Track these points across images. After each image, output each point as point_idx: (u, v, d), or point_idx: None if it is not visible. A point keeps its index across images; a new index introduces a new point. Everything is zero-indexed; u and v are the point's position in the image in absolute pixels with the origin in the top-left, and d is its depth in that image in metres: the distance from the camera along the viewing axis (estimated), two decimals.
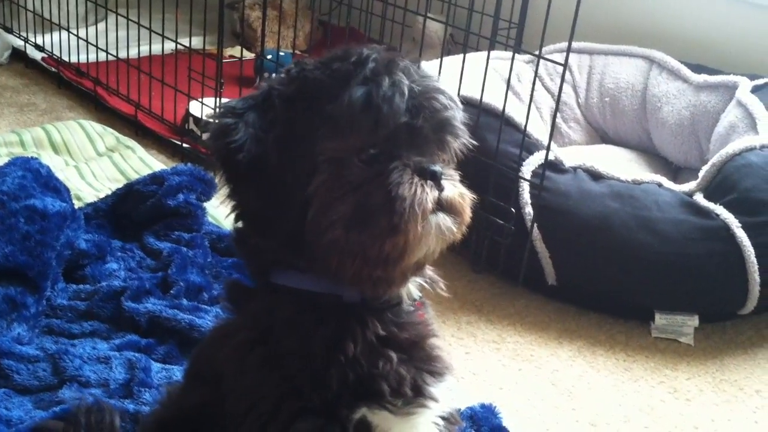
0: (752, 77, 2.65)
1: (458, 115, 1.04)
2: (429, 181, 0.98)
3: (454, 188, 1.02)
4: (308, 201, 0.98)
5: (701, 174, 2.20)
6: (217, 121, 1.02)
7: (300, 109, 1.00)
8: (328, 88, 0.99)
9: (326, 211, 0.97)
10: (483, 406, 1.68)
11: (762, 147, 2.20)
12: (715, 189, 2.16)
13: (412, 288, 1.07)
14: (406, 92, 0.99)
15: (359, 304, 1.03)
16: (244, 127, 1.00)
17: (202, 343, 1.20)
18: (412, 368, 1.03)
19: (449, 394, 1.08)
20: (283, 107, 1.01)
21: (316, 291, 1.03)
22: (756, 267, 2.04)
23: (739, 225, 2.05)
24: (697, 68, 2.79)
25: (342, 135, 0.98)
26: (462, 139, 1.05)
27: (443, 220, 1.00)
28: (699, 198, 2.15)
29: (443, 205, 1.00)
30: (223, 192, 1.06)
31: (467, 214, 1.03)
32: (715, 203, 2.11)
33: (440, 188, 1.00)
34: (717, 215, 2.08)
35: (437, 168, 1.00)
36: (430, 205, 0.98)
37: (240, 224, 1.06)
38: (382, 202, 0.96)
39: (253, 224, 1.05)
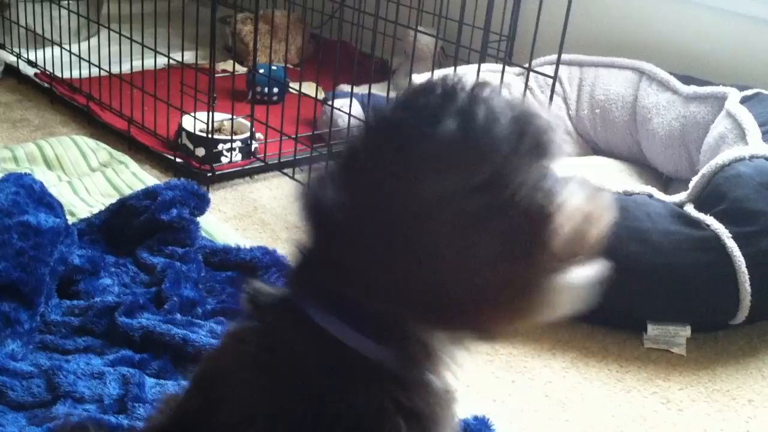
0: (741, 88, 2.67)
1: (557, 137, 0.97)
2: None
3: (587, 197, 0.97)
4: (415, 251, 0.89)
5: (691, 185, 2.22)
6: (309, 185, 0.95)
7: (388, 156, 0.92)
8: (417, 129, 0.91)
9: (438, 256, 0.89)
10: (476, 418, 1.69)
11: (751, 157, 2.22)
12: (705, 199, 2.17)
13: (450, 375, 1.01)
14: (503, 121, 0.92)
15: (385, 366, 0.96)
16: (333, 189, 0.92)
17: (216, 347, 1.15)
18: None
19: None
20: (365, 158, 0.93)
21: (348, 343, 0.96)
22: (747, 277, 2.05)
23: (730, 235, 2.06)
24: (687, 79, 2.81)
25: (441, 175, 0.89)
26: (558, 160, 0.98)
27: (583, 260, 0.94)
28: (689, 208, 2.16)
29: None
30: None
31: (601, 232, 0.97)
32: (706, 214, 2.12)
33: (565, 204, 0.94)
34: (707, 225, 2.09)
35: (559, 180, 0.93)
36: (575, 219, 0.92)
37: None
38: (516, 229, 0.89)
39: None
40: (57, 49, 3.24)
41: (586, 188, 0.98)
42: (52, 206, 2.07)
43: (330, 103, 2.87)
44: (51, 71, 3.27)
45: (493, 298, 0.91)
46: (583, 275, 0.95)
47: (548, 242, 0.90)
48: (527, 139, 0.92)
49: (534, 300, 0.92)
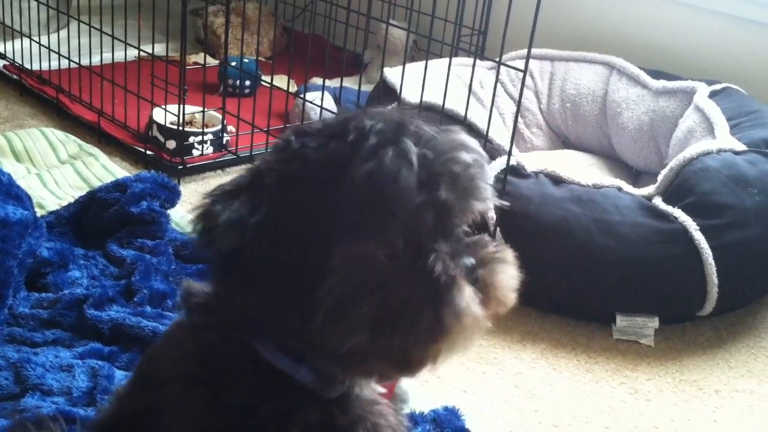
0: (710, 83, 2.70)
1: (484, 174, 0.92)
2: (467, 273, 0.89)
3: (492, 275, 0.93)
4: (312, 302, 0.87)
5: (660, 178, 2.24)
6: (208, 208, 0.92)
7: (302, 194, 0.88)
8: (330, 174, 0.87)
9: (344, 315, 0.86)
10: (446, 408, 1.70)
11: (719, 151, 2.24)
12: (673, 192, 2.20)
13: (374, 385, 1.01)
14: (415, 162, 0.85)
15: (311, 385, 0.96)
16: (225, 212, 0.89)
17: (158, 342, 1.15)
18: None
19: None
20: (278, 190, 0.89)
21: (272, 361, 0.96)
22: (714, 269, 2.08)
23: (697, 228, 2.09)
24: (656, 74, 2.84)
25: (352, 229, 0.85)
26: (489, 202, 0.93)
27: (482, 313, 0.91)
28: (658, 201, 2.18)
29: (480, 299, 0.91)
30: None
31: (509, 301, 0.96)
32: (674, 206, 2.15)
33: (475, 281, 0.90)
34: (675, 218, 2.11)
35: (471, 262, 0.90)
36: (476, 304, 0.89)
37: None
38: (421, 304, 0.86)
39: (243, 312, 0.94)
40: (26, 40, 3.20)
41: (494, 255, 0.94)
42: (21, 198, 2.05)
43: (302, 96, 2.86)
44: (20, 63, 3.24)
45: (390, 356, 0.89)
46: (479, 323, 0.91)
47: (450, 314, 0.86)
48: (442, 185, 0.87)
49: (427, 353, 0.90)
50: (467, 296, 0.88)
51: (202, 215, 0.92)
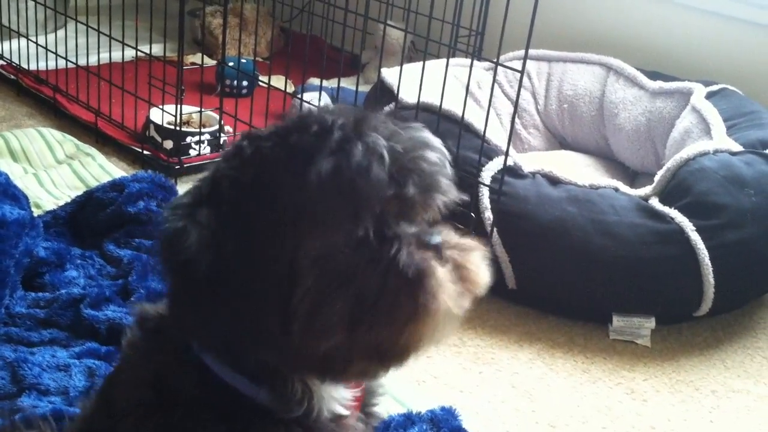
0: (706, 83, 2.70)
1: (447, 171, 0.91)
2: (436, 255, 0.87)
3: (461, 257, 0.91)
4: (287, 307, 0.85)
5: (656, 178, 2.25)
6: (166, 224, 0.87)
7: (260, 200, 0.85)
8: (290, 170, 0.84)
9: (319, 317, 0.84)
10: (443, 408, 1.70)
11: (716, 152, 2.25)
12: (670, 193, 2.20)
13: (337, 405, 0.98)
14: (387, 156, 0.84)
15: (269, 406, 0.94)
16: (196, 230, 0.85)
17: (116, 365, 1.12)
18: None
19: None
20: (236, 199, 0.86)
21: (230, 382, 0.93)
22: (710, 269, 2.08)
23: (694, 228, 2.09)
24: (653, 75, 2.84)
25: (319, 228, 0.83)
26: (451, 196, 0.92)
27: (458, 291, 0.89)
28: (654, 202, 2.19)
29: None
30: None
31: (482, 280, 0.93)
32: (670, 207, 2.15)
33: (444, 263, 0.89)
34: (672, 219, 2.12)
35: (438, 240, 0.89)
36: (450, 285, 0.87)
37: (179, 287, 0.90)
38: (395, 291, 0.85)
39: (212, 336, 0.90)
40: (24, 40, 3.20)
41: (461, 246, 0.92)
42: (18, 198, 2.05)
43: (299, 96, 2.86)
44: (17, 63, 3.23)
45: (370, 350, 0.87)
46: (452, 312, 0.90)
47: (425, 295, 0.85)
48: (411, 181, 0.86)
49: (408, 342, 0.88)
50: (440, 276, 0.86)
51: (169, 236, 0.86)
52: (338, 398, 0.99)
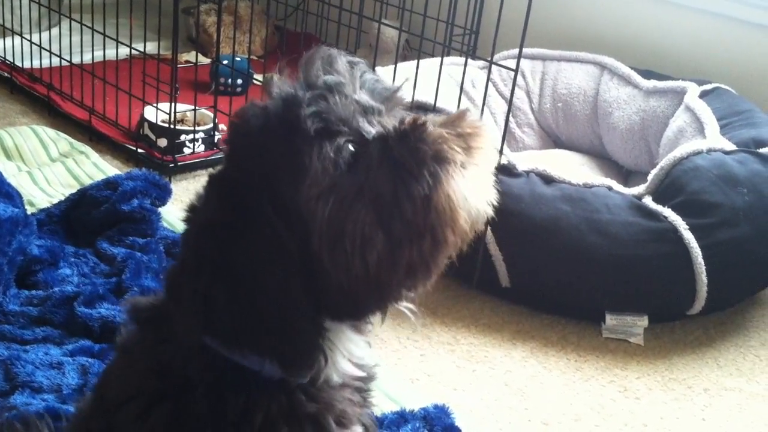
0: (700, 82, 2.71)
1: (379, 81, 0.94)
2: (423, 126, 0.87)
3: (464, 125, 0.90)
4: (314, 255, 0.87)
5: (650, 177, 2.25)
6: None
7: (259, 159, 0.89)
8: (283, 121, 0.89)
9: (348, 241, 0.86)
10: (436, 406, 1.70)
11: (709, 150, 2.25)
12: (663, 192, 2.20)
13: (345, 365, 1.00)
14: (301, 91, 0.89)
15: (277, 378, 0.95)
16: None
17: (111, 362, 1.12)
18: None
19: None
20: (241, 187, 0.90)
21: (235, 360, 0.94)
22: (703, 268, 2.09)
23: (687, 227, 2.10)
24: (647, 74, 2.85)
25: (313, 164, 0.86)
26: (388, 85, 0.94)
27: (471, 162, 0.89)
28: (648, 201, 2.19)
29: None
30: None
31: (483, 134, 0.92)
32: (664, 206, 2.15)
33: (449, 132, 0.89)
34: (665, 217, 2.12)
35: (408, 116, 0.90)
36: (457, 148, 0.88)
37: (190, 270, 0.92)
38: (410, 176, 0.86)
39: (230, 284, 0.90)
40: (17, 38, 3.20)
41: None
42: (11, 196, 2.05)
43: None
44: (11, 61, 3.23)
45: (406, 259, 0.88)
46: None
47: (437, 165, 0.86)
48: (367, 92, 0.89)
49: (441, 225, 0.88)
50: (444, 141, 0.87)
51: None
52: (354, 356, 1.00)
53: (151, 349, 0.99)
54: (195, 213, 0.96)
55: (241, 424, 0.93)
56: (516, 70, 2.13)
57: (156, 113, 2.74)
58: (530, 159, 2.58)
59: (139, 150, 2.77)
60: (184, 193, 2.60)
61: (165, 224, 2.20)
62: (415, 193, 0.86)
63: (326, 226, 0.86)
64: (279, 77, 0.93)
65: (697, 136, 2.44)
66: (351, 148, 0.87)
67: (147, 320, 1.02)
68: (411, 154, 0.87)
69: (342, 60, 0.94)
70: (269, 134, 0.88)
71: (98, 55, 2.89)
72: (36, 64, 3.20)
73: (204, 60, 3.48)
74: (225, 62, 3.16)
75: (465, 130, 0.90)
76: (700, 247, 2.09)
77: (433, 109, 2.29)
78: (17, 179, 2.38)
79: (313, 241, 0.86)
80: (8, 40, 3.26)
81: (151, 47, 2.99)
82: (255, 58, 3.68)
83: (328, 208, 0.86)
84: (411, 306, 0.99)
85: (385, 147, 0.88)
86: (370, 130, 0.88)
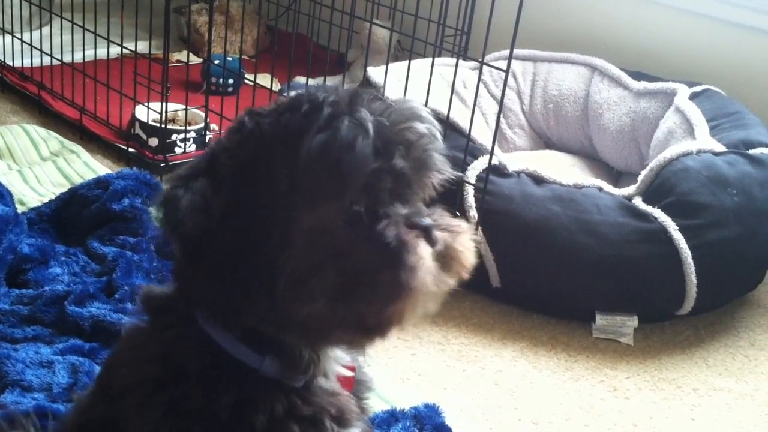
0: (690, 84, 2.72)
1: (438, 145, 0.93)
2: (424, 238, 0.89)
3: (451, 238, 0.93)
4: (276, 273, 0.88)
5: (640, 178, 2.26)
6: (165, 192, 0.92)
7: (255, 174, 0.89)
8: (286, 146, 0.88)
9: (304, 282, 0.87)
10: (426, 405, 1.71)
11: (699, 152, 2.26)
12: (653, 193, 2.21)
13: (336, 365, 1.02)
14: (371, 130, 0.86)
15: (271, 376, 0.97)
16: (188, 195, 0.89)
17: (116, 349, 1.13)
18: None
19: None
20: (235, 170, 0.90)
21: (233, 354, 0.96)
22: (693, 268, 2.10)
23: (677, 227, 2.11)
24: (637, 75, 2.86)
25: (311, 200, 0.86)
26: (445, 174, 0.94)
27: (441, 275, 0.91)
28: (638, 201, 2.20)
29: (440, 261, 0.91)
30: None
31: (469, 262, 0.94)
32: (654, 207, 2.16)
33: (433, 243, 0.90)
34: (655, 218, 2.13)
35: (428, 221, 0.90)
36: (431, 264, 0.89)
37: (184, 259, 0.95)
38: (377, 267, 0.87)
39: (206, 297, 0.94)
40: (8, 37, 3.18)
41: (449, 226, 0.94)
42: (2, 195, 2.05)
43: (285, 94, 2.86)
44: (2, 60, 3.22)
45: (349, 320, 0.90)
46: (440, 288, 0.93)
47: (404, 280, 0.87)
48: (397, 152, 0.88)
49: (387, 317, 0.90)
50: (423, 254, 0.88)
51: (165, 200, 0.91)
52: (338, 360, 1.02)
53: (156, 337, 1.00)
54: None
55: (236, 421, 0.94)
56: (507, 71, 2.13)
57: (147, 113, 2.73)
58: (521, 160, 2.58)
59: (130, 149, 2.76)
60: None
61: (156, 223, 2.20)
62: (380, 292, 0.88)
63: (300, 259, 0.88)
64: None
65: (687, 137, 2.45)
66: (363, 214, 0.89)
67: (156, 308, 1.03)
68: (394, 260, 0.88)
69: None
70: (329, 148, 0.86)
71: (89, 54, 2.88)
72: (27, 62, 3.19)
73: (195, 59, 3.47)
74: (216, 62, 3.16)
75: (457, 256, 0.93)
76: (689, 247, 2.10)
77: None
78: (8, 178, 2.38)
79: (284, 260, 0.88)
80: None
81: (143, 46, 2.99)
82: (246, 57, 3.67)
83: (310, 248, 0.88)
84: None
85: (379, 236, 0.88)
86: (382, 213, 0.89)
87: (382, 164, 0.87)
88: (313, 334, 0.93)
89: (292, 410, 0.96)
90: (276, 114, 0.92)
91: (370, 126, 0.86)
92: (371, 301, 0.88)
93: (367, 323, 0.90)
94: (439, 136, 0.94)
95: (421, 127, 0.91)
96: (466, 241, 0.95)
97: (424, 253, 0.88)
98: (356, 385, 1.07)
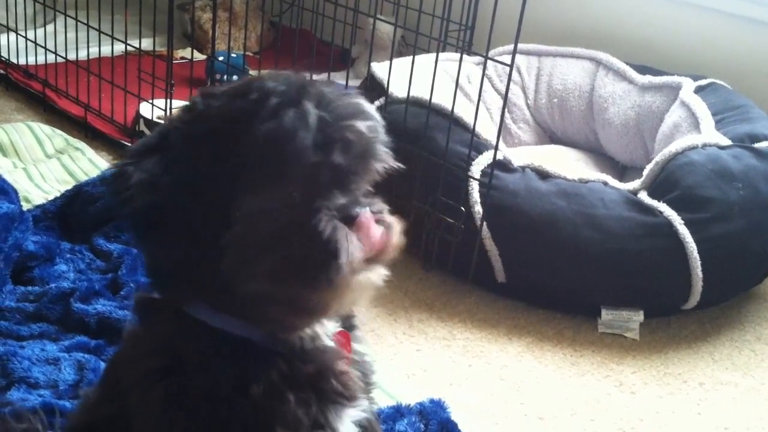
0: (695, 78, 2.71)
1: (380, 138, 0.96)
2: (355, 230, 0.92)
3: (383, 230, 0.96)
4: (222, 251, 0.91)
5: (645, 172, 2.25)
6: (116, 167, 0.96)
7: (206, 151, 0.92)
8: (233, 131, 0.91)
9: (246, 262, 0.91)
10: (432, 401, 1.71)
11: (704, 146, 2.26)
12: (658, 187, 2.21)
13: (329, 326, 1.05)
14: (313, 124, 0.90)
15: (268, 345, 0.99)
16: (137, 173, 0.92)
17: (119, 349, 1.16)
18: (312, 407, 0.99)
19: (361, 414, 1.06)
20: (184, 149, 0.93)
21: (226, 329, 0.99)
22: (698, 262, 2.09)
23: (682, 222, 2.10)
24: (642, 69, 2.85)
25: (253, 183, 0.90)
26: (386, 164, 0.98)
27: (371, 269, 0.95)
28: (643, 196, 2.19)
29: (368, 253, 0.94)
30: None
31: (392, 250, 0.98)
32: (659, 201, 2.16)
33: (364, 236, 0.93)
34: (660, 212, 2.13)
35: (360, 212, 0.93)
36: (358, 256, 0.92)
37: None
38: (310, 255, 0.90)
39: (162, 271, 0.99)
40: (12, 35, 3.19)
41: (381, 215, 0.97)
42: (7, 192, 2.05)
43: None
44: (6, 57, 3.23)
45: (286, 302, 0.93)
46: (371, 278, 0.96)
47: (331, 272, 0.90)
48: (336, 149, 0.91)
49: (320, 302, 0.94)
50: (349, 252, 0.91)
51: (115, 176, 0.94)
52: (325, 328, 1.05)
53: (151, 334, 1.03)
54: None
55: (237, 397, 0.95)
56: (511, 66, 2.13)
57: (151, 109, 2.74)
58: (526, 154, 2.58)
59: None
60: None
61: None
62: (311, 281, 0.91)
63: (239, 240, 0.91)
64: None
65: (693, 131, 2.44)
66: (301, 204, 0.91)
67: (147, 308, 1.06)
68: (324, 252, 0.90)
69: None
70: (277, 132, 0.90)
71: (93, 51, 2.88)
72: (31, 60, 3.19)
73: (199, 56, 3.47)
74: (220, 58, 3.16)
75: (382, 246, 0.96)
76: (695, 241, 2.09)
77: (428, 105, 2.29)
78: (13, 176, 2.38)
79: (226, 239, 0.91)
80: (3, 36, 3.26)
81: (147, 43, 2.99)
82: (250, 54, 3.67)
83: (249, 230, 0.90)
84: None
85: (312, 228, 0.91)
86: (318, 204, 0.92)
87: (322, 158, 0.91)
88: (254, 313, 0.96)
89: (293, 373, 0.98)
90: (227, 97, 0.95)
91: (313, 120, 0.90)
92: (302, 287, 0.91)
93: (300, 306, 0.93)
94: (381, 130, 0.97)
95: (361, 125, 0.93)
96: (394, 233, 0.98)
97: (352, 247, 0.91)
98: (359, 364, 1.09)
